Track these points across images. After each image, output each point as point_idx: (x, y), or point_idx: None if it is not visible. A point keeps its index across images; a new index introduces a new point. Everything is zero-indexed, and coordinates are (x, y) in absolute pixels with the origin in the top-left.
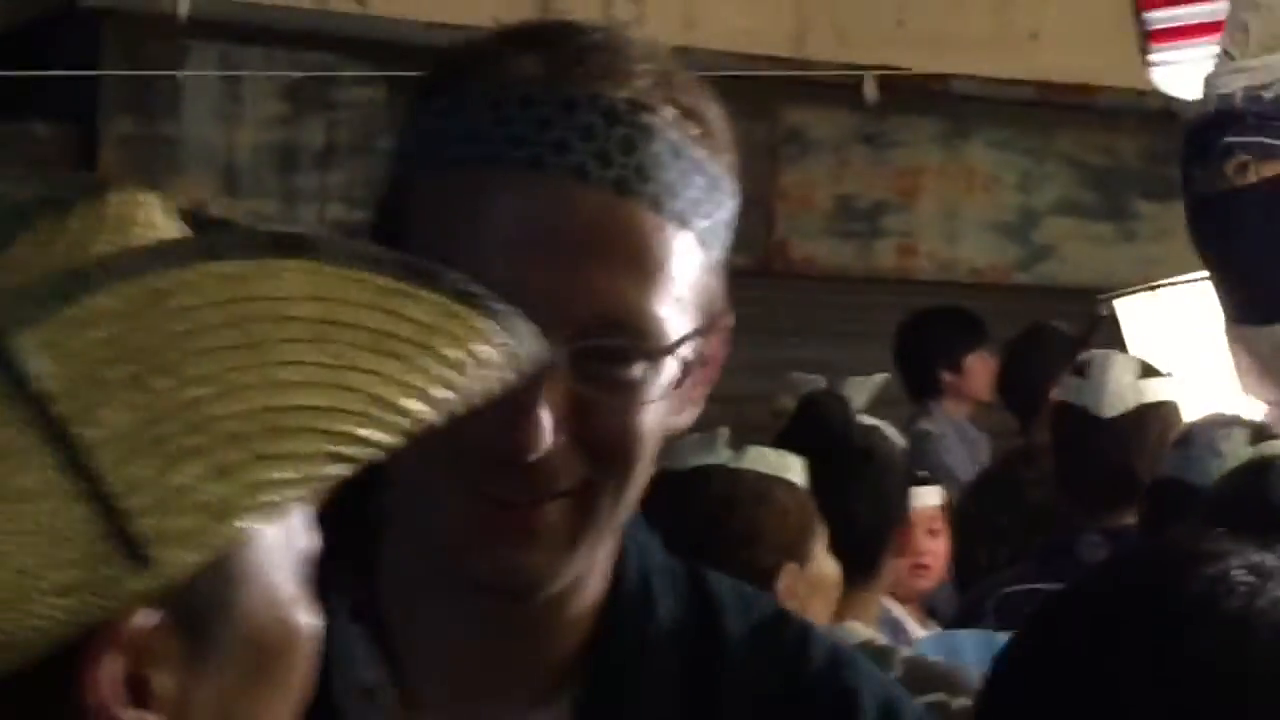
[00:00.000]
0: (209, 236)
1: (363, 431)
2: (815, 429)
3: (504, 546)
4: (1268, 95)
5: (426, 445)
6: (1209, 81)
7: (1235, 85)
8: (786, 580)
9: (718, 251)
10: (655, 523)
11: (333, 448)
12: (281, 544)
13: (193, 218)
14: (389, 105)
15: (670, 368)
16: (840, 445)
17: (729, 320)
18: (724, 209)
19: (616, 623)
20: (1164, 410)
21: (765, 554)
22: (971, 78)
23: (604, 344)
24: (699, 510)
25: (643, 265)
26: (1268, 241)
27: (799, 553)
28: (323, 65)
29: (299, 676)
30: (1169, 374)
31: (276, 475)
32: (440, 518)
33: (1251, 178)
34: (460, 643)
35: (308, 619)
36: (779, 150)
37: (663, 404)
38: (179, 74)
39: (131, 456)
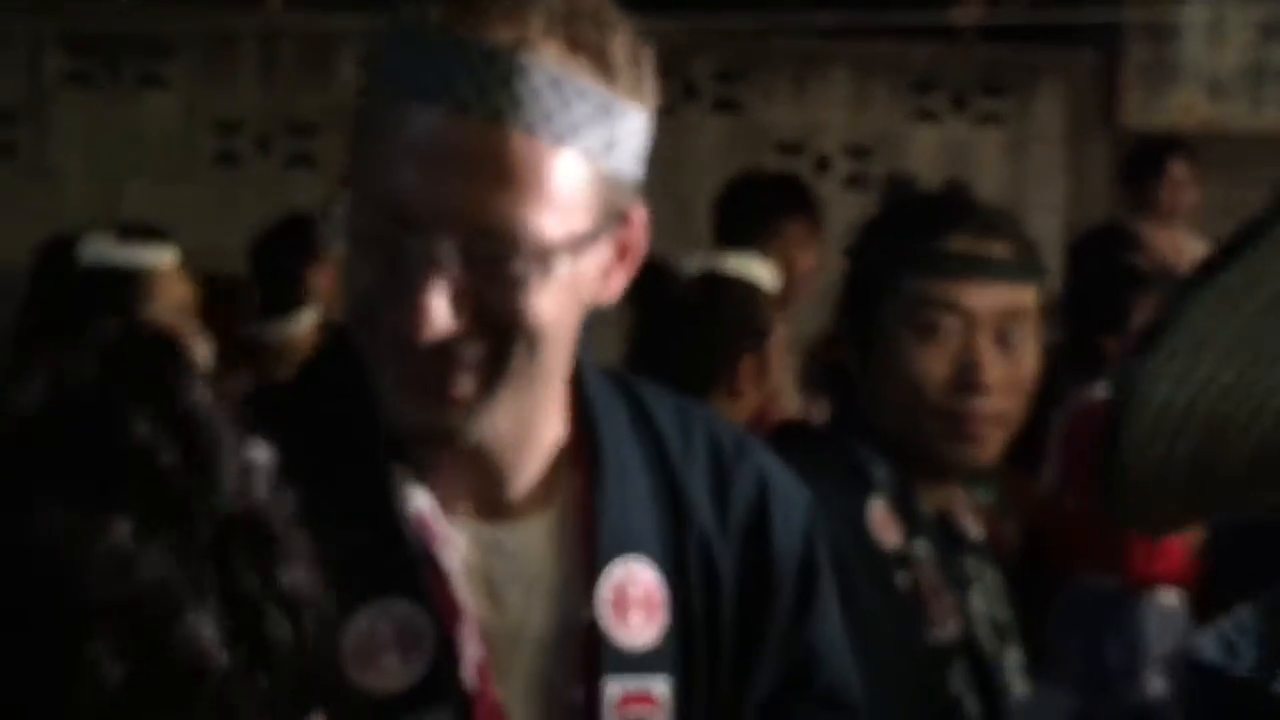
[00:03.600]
0: None
1: None
2: None
3: (422, 403)
4: None
5: (363, 335)
6: None
7: None
8: None
9: (617, 161)
10: None
11: None
12: None
13: None
14: None
15: (557, 259)
16: None
17: (641, 214)
18: (618, 126)
19: (588, 438)
20: None
21: None
22: None
23: (486, 246)
24: None
25: (515, 181)
26: None
27: None
28: None
29: None
30: None
31: None
32: (378, 383)
33: None
34: (459, 478)
35: None
36: None
37: (564, 287)
38: (1181, 12)
39: None
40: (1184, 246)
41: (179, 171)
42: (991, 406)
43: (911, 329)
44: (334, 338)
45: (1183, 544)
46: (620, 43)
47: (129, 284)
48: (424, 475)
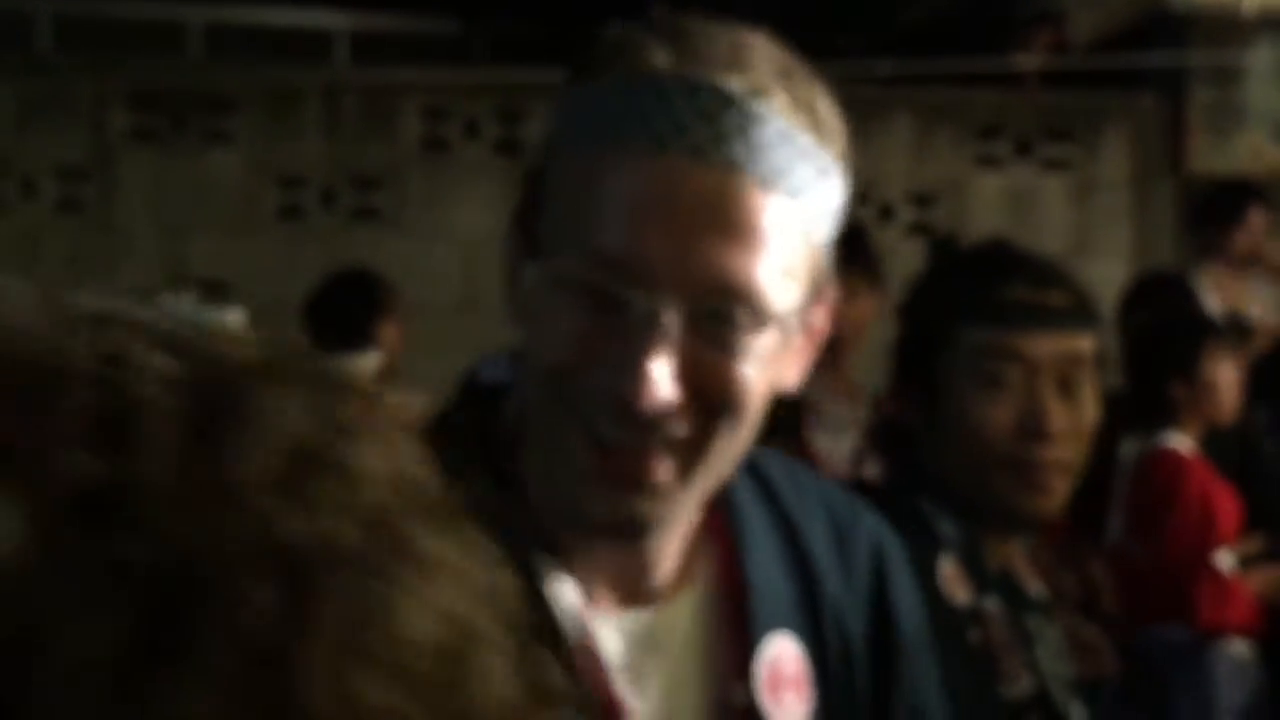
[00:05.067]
0: None
1: None
2: None
3: (617, 492)
4: None
5: (554, 390)
6: None
7: None
8: None
9: (824, 232)
10: None
11: None
12: None
13: None
14: None
15: (775, 331)
16: None
17: (833, 294)
18: (831, 195)
19: (725, 509)
20: None
21: None
22: None
23: (715, 307)
24: None
25: (751, 238)
26: None
27: None
28: None
29: None
30: None
31: None
32: (561, 463)
33: None
34: (604, 566)
35: None
36: None
37: (769, 364)
38: (1246, 55)
39: None
40: (1251, 293)
41: (244, 226)
42: (1057, 454)
43: (974, 380)
44: (461, 412)
45: (1250, 592)
46: (827, 104)
47: None
48: (569, 565)
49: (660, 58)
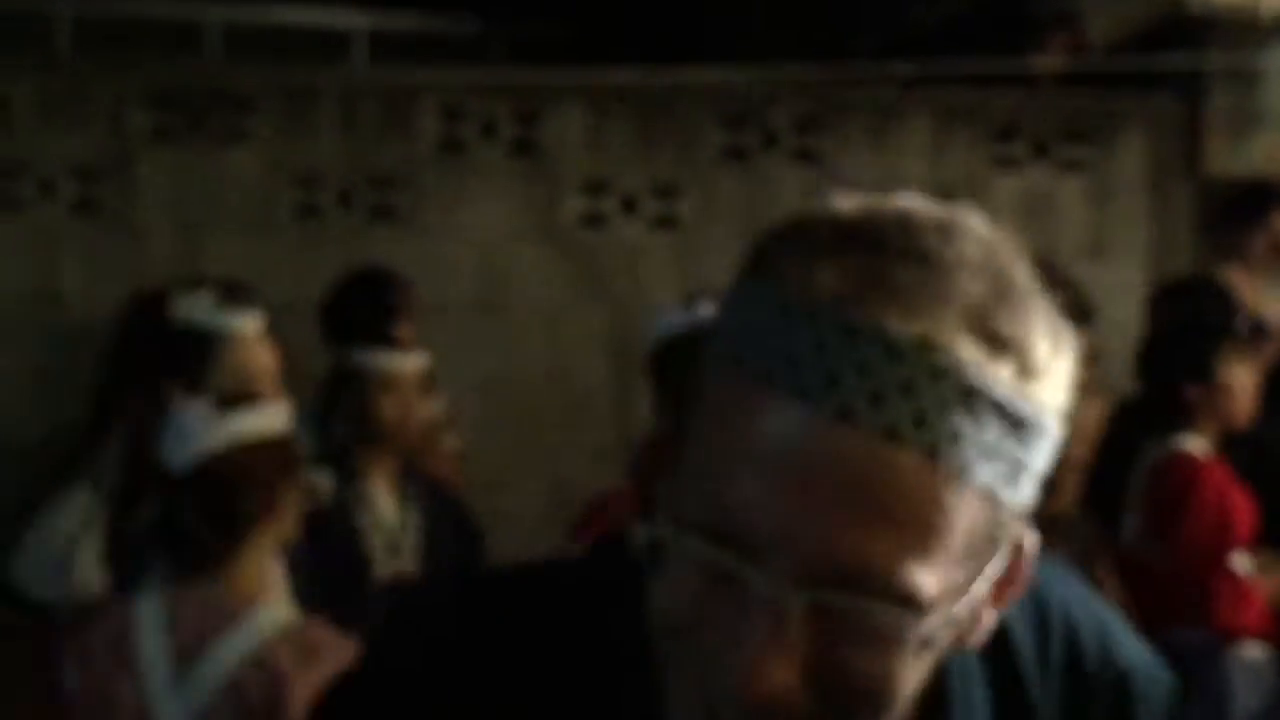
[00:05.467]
0: None
1: None
2: None
3: None
4: None
5: (666, 642)
6: None
7: None
8: None
9: (1020, 489)
10: None
11: None
12: None
13: None
14: None
15: (932, 620)
16: None
17: (1031, 545)
18: (1030, 447)
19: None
20: None
21: None
22: None
23: (846, 597)
24: None
25: (904, 521)
26: None
27: None
28: None
29: None
30: None
31: None
32: (679, 711)
33: None
34: None
35: None
36: None
37: (922, 650)
38: (1264, 57)
39: None
40: (1267, 295)
41: (261, 225)
42: (1066, 453)
43: None
44: (610, 570)
45: (1264, 595)
46: (1043, 331)
47: (210, 347)
48: None
49: (829, 278)
